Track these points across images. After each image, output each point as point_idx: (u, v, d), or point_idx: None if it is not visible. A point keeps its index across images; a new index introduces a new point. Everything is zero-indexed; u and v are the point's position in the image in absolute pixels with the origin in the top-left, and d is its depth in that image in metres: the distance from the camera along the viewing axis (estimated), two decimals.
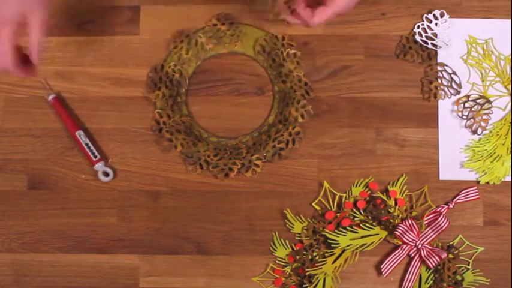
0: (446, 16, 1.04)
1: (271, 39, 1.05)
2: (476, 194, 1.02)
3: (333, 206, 1.03)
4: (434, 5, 1.05)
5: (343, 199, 1.03)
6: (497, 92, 1.04)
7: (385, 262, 1.00)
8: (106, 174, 1.04)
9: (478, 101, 1.03)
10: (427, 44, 1.04)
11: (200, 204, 1.04)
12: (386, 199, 1.02)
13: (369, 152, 1.04)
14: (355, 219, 1.01)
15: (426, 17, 1.04)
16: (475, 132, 1.03)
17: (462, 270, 1.01)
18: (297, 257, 1.02)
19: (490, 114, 1.03)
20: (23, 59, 0.90)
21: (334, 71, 1.05)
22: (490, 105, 1.03)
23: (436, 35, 1.04)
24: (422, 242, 0.99)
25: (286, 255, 1.02)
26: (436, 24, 1.04)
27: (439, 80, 1.04)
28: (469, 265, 1.01)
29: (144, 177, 1.05)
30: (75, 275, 1.04)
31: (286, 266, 1.02)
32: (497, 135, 1.03)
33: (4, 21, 0.87)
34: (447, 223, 0.99)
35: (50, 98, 1.05)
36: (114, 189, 1.05)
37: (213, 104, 1.06)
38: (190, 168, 1.03)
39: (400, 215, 1.01)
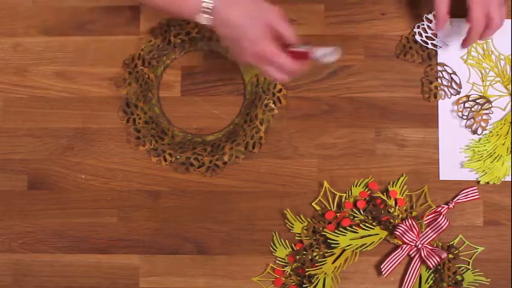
0: None
1: None
2: (476, 194, 1.01)
3: (333, 206, 1.03)
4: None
5: (343, 199, 1.03)
6: (497, 92, 1.04)
7: (385, 262, 1.00)
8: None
9: (478, 101, 1.03)
10: (427, 44, 1.03)
11: (200, 204, 1.04)
12: (386, 199, 1.02)
13: (369, 152, 1.04)
14: (355, 219, 1.01)
15: (426, 17, 1.04)
16: (475, 132, 1.03)
17: (462, 270, 1.01)
18: (297, 257, 1.02)
19: (490, 114, 1.03)
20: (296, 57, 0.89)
21: (334, 71, 1.05)
22: (490, 105, 1.03)
23: (436, 35, 1.04)
24: (422, 242, 0.99)
25: (286, 255, 1.02)
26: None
27: (439, 80, 1.04)
28: (469, 265, 1.01)
29: (144, 177, 1.05)
30: (75, 275, 1.04)
31: (286, 266, 1.02)
32: (497, 135, 1.03)
33: (261, 41, 0.86)
34: (447, 223, 0.99)
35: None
36: (114, 189, 1.05)
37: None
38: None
39: (400, 215, 1.01)
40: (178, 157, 1.04)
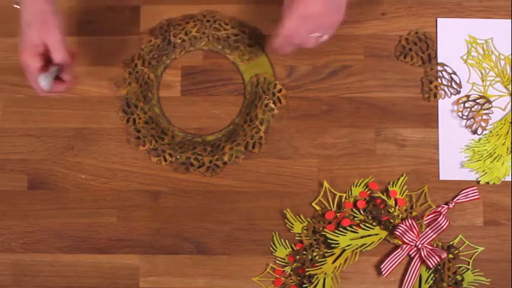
0: None
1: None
2: (476, 194, 1.01)
3: (333, 206, 1.03)
4: (435, 5, 1.05)
5: (343, 199, 1.03)
6: (497, 92, 1.04)
7: (385, 262, 1.00)
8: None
9: (478, 101, 1.03)
10: None
11: (200, 204, 1.04)
12: (386, 199, 1.02)
13: (369, 152, 1.04)
14: (355, 219, 1.01)
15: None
16: (475, 132, 1.03)
17: (462, 270, 1.01)
18: (297, 257, 1.02)
19: (490, 114, 1.03)
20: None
21: (334, 71, 1.05)
22: (490, 105, 1.03)
23: None
24: (422, 242, 0.99)
25: (286, 255, 1.02)
26: None
27: (439, 80, 1.04)
28: (469, 265, 1.01)
29: (144, 177, 1.05)
30: (75, 275, 1.04)
31: (286, 266, 1.02)
32: (497, 135, 1.03)
33: (24, 51, 0.87)
34: (447, 223, 0.99)
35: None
36: (114, 189, 1.05)
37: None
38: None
39: (400, 215, 1.01)
40: (178, 157, 1.04)
